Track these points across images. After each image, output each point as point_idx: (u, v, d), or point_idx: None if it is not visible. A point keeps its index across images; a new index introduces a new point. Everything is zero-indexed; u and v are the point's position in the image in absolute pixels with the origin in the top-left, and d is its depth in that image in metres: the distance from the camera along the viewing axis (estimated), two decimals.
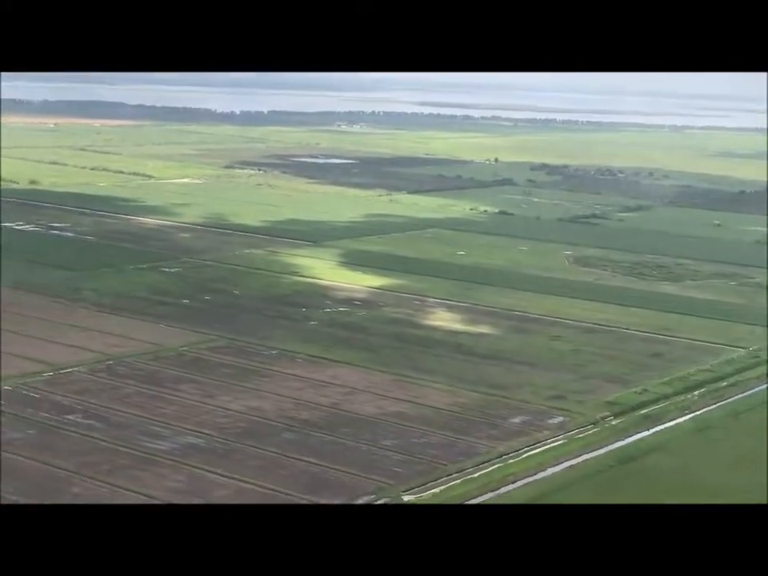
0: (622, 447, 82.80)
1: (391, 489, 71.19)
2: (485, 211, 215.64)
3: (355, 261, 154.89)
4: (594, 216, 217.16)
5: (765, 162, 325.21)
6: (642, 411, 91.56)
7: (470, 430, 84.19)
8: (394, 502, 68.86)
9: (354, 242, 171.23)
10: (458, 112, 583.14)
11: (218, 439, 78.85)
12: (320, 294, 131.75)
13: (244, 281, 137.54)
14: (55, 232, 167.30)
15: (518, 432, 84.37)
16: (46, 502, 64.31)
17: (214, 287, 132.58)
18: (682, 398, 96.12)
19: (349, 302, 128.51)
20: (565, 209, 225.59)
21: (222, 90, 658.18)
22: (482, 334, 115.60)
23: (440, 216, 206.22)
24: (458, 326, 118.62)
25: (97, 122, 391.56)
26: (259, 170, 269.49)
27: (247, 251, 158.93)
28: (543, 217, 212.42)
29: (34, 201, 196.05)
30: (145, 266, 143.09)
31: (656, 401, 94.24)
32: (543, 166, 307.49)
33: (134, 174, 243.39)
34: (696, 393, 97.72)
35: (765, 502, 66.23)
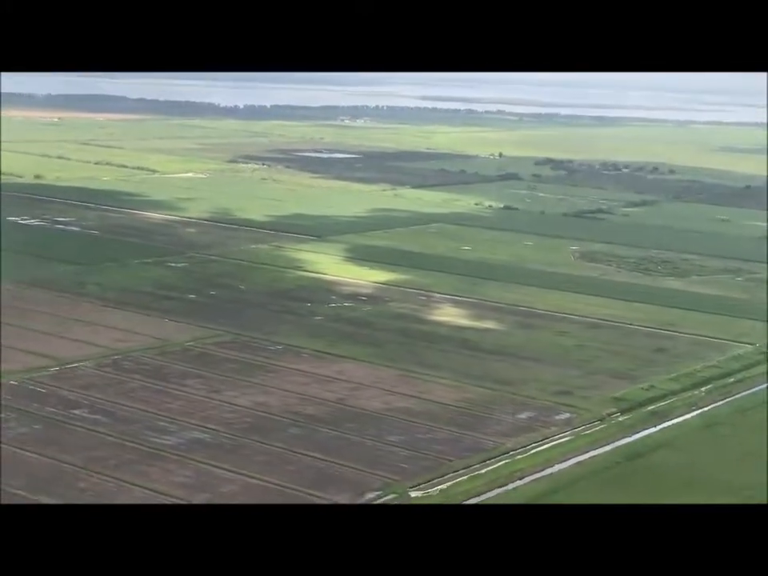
0: (629, 443, 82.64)
1: (398, 484, 71.04)
2: (489, 206, 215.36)
3: (360, 255, 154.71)
4: (599, 211, 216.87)
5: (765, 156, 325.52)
6: (649, 407, 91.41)
7: (476, 425, 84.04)
8: (401, 498, 68.75)
9: (358, 237, 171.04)
10: (462, 106, 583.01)
11: (225, 434, 78.74)
12: (325, 289, 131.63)
13: (249, 276, 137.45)
14: (60, 226, 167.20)
15: (524, 428, 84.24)
16: (51, 499, 64.35)
17: (220, 282, 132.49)
18: (689, 394, 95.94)
19: (354, 296, 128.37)
20: (569, 204, 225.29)
21: (225, 84, 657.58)
22: (487, 330, 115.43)
23: (444, 211, 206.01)
24: (464, 322, 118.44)
25: (100, 116, 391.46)
26: (263, 164, 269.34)
27: (252, 246, 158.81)
28: (548, 212, 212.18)
29: (38, 195, 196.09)
30: (150, 261, 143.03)
31: (663, 397, 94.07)
32: (548, 161, 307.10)
33: (138, 168, 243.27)
34: (703, 389, 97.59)
35: None
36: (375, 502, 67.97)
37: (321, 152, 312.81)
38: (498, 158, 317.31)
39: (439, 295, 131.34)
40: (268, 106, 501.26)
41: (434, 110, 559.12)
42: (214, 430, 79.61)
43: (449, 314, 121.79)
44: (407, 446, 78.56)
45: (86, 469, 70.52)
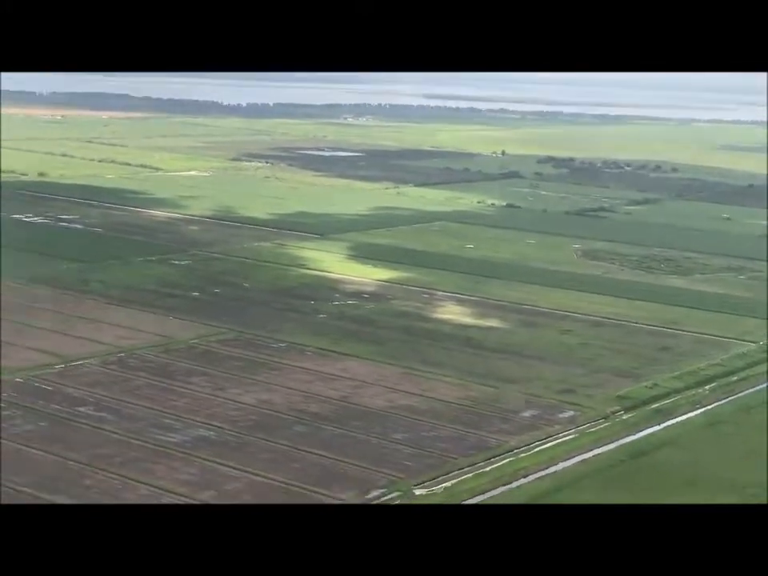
0: (632, 442, 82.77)
1: (402, 482, 71.21)
2: (492, 204, 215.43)
3: (363, 254, 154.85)
4: (602, 209, 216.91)
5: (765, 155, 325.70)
6: (653, 406, 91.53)
7: (481, 423, 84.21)
8: (405, 496, 68.92)
9: (361, 235, 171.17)
10: (464, 104, 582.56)
11: (230, 432, 78.95)
12: (328, 287, 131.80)
13: (253, 274, 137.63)
14: (63, 224, 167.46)
15: (528, 426, 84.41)
16: (55, 497, 64.57)
17: (224, 280, 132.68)
18: (693, 392, 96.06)
19: (357, 294, 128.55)
20: (572, 202, 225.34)
21: (229, 82, 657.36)
22: (491, 328, 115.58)
23: (447, 209, 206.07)
24: (467, 320, 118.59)
25: (104, 114, 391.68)
26: (266, 162, 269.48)
27: (255, 244, 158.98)
28: (550, 210, 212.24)
29: (42, 193, 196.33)
30: (153, 258, 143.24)
31: (667, 395, 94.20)
32: (550, 159, 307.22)
33: (142, 166, 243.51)
34: (707, 387, 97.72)
35: None
36: (380, 500, 68.16)
37: (324, 150, 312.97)
38: (500, 156, 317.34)
39: (442, 293, 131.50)
40: (271, 105, 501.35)
41: (437, 108, 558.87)
42: (219, 427, 79.82)
43: (452, 312, 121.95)
44: (411, 443, 78.74)
45: (92, 466, 70.74)
